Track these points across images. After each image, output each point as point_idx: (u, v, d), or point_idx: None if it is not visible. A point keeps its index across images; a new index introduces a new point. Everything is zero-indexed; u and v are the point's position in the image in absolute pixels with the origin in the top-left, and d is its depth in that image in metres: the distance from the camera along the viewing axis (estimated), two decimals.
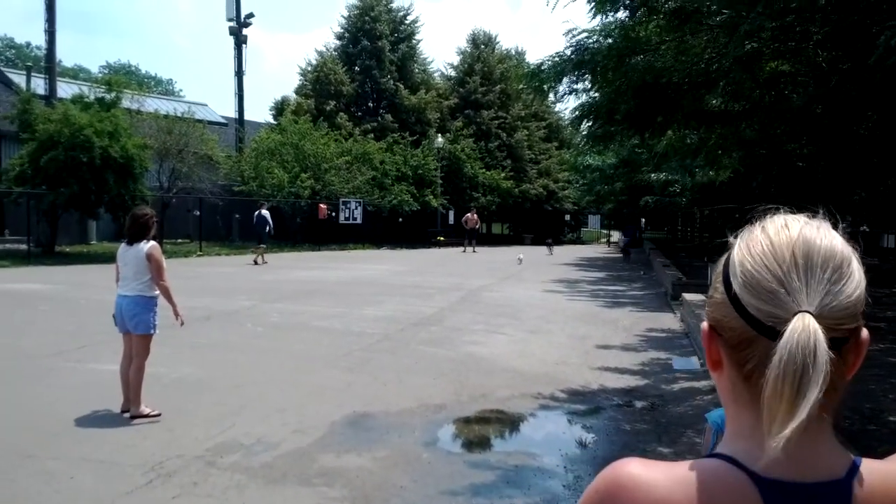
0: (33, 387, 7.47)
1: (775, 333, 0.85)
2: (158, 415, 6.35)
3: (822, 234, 0.91)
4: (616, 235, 52.01)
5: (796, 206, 0.99)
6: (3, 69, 38.99)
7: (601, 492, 0.93)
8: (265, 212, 24.29)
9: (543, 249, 35.39)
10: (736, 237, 0.97)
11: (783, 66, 8.91)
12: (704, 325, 0.99)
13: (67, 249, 24.65)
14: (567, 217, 52.68)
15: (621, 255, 20.59)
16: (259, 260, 23.33)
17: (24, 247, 22.54)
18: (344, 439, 6.07)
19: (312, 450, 5.72)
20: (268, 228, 24.14)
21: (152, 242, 6.50)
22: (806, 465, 0.88)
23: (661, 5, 7.36)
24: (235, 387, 7.66)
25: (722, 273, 0.96)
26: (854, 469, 0.90)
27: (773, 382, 0.83)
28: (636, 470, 0.92)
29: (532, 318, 12.92)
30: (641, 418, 6.99)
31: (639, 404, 7.43)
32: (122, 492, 4.80)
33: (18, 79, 33.21)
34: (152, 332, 6.52)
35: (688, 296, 12.88)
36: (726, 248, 0.97)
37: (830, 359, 0.83)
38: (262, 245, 23.63)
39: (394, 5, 43.25)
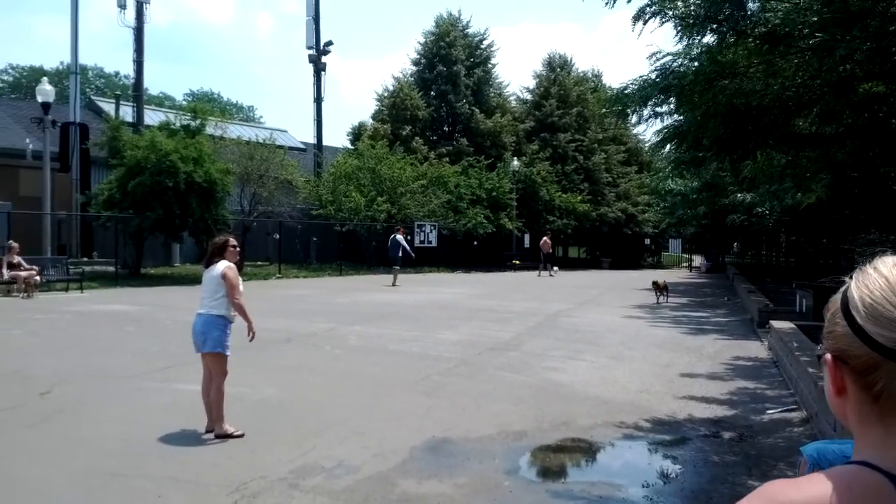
0: (121, 406, 7.66)
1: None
2: (242, 435, 6.43)
3: None
4: (698, 260, 50.89)
5: (889, 231, 0.95)
6: (93, 98, 40.74)
7: None
8: (399, 237, 25.78)
9: (618, 274, 34.86)
10: (850, 277, 1.08)
11: (878, 87, 8.59)
12: (828, 356, 1.07)
13: (152, 271, 25.44)
14: (647, 241, 51.75)
15: (656, 294, 20.48)
16: (399, 280, 24.64)
17: (111, 269, 23.37)
18: (424, 465, 6.02)
19: (393, 475, 5.69)
20: (401, 252, 25.30)
21: (228, 262, 6.62)
22: None
23: (751, 29, 7.17)
24: (315, 409, 7.71)
25: (841, 309, 1.05)
26: None
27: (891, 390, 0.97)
28: (791, 493, 0.99)
29: (613, 345, 12.69)
30: (730, 450, 6.75)
31: (727, 435, 7.17)
32: None
33: (107, 107, 34.61)
34: (221, 350, 6.56)
35: (776, 323, 12.44)
36: (833, 282, 1.08)
37: None
38: (396, 267, 25.06)
39: (470, 31, 43.61)
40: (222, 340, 6.53)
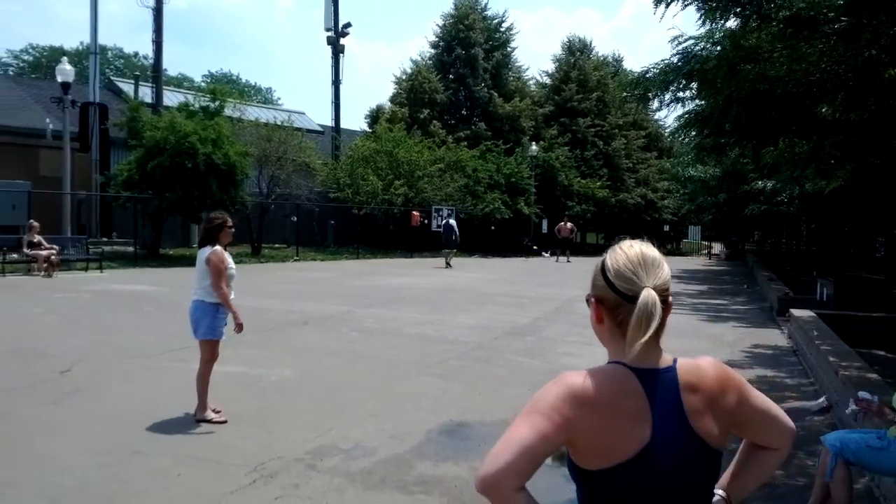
0: (140, 385, 7.73)
1: (634, 299, 1.62)
2: (224, 421, 6.38)
3: (647, 247, 1.72)
4: (717, 247, 50.56)
5: None
6: (112, 78, 40.90)
7: (561, 394, 1.60)
8: (452, 221, 27.96)
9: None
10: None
11: None
12: (593, 299, 1.73)
13: (171, 252, 25.59)
14: (666, 227, 51.40)
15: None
16: (448, 262, 26.01)
17: (130, 249, 23.54)
18: (440, 448, 6.04)
19: (410, 457, 5.71)
20: (454, 236, 26.94)
21: (216, 247, 6.45)
22: (652, 360, 1.66)
23: (775, 13, 7.05)
24: (332, 390, 7.75)
25: (601, 271, 1.72)
26: (675, 361, 1.69)
27: (635, 321, 1.59)
28: (578, 378, 1.62)
29: None
30: None
31: None
32: (227, 491, 4.89)
33: (127, 87, 34.75)
34: (212, 337, 6.47)
35: (796, 312, 12.36)
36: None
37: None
38: (446, 250, 26.69)
39: (488, 13, 43.33)
40: (215, 327, 6.45)
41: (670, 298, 1.70)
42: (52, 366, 8.30)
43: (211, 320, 6.44)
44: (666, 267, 1.70)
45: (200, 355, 6.51)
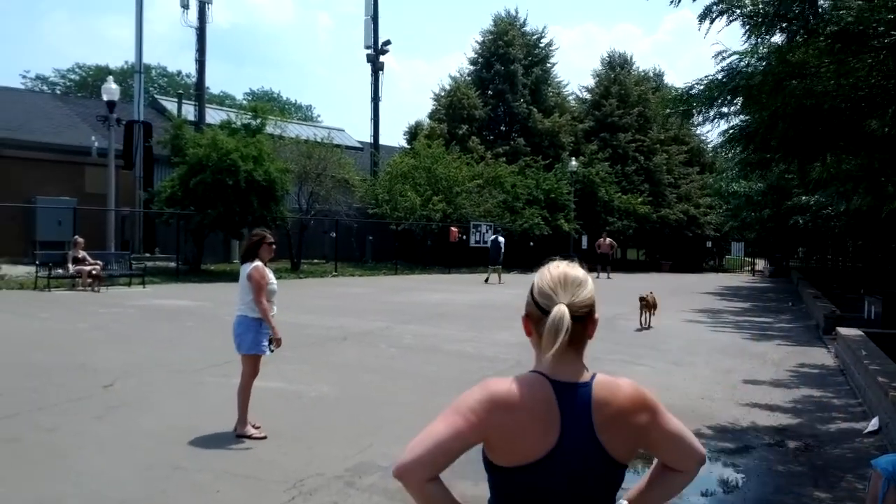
0: (182, 400, 7.80)
1: (548, 313, 1.77)
2: (264, 437, 6.40)
3: (572, 267, 1.88)
4: (761, 264, 49.72)
5: None
6: (156, 97, 41.67)
7: (481, 398, 1.78)
8: (500, 238, 28.13)
9: (678, 277, 34.18)
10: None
11: None
12: (524, 313, 1.89)
13: (212, 267, 25.89)
14: (708, 244, 50.62)
15: (640, 312, 18.70)
16: (494, 279, 26.55)
17: (172, 264, 23.90)
18: (480, 467, 5.95)
19: (449, 475, 5.62)
20: (500, 253, 27.38)
21: (256, 263, 6.51)
22: (569, 374, 1.80)
23: (822, 28, 6.92)
24: (371, 407, 7.74)
25: (530, 289, 1.87)
26: (594, 377, 1.82)
27: (545, 334, 1.75)
28: (498, 384, 1.80)
29: (673, 350, 12.46)
30: (795, 459, 6.56)
31: (792, 444, 6.98)
32: None
33: (170, 106, 35.37)
34: (256, 352, 6.50)
35: (843, 330, 12.06)
36: None
37: (573, 324, 1.75)
38: (492, 266, 27.06)
39: (527, 29, 43.33)
40: (258, 342, 6.49)
41: (596, 315, 1.88)
42: (97, 380, 8.41)
43: (254, 335, 6.49)
44: (588, 286, 1.86)
45: (242, 370, 6.55)
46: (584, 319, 1.83)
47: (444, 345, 11.91)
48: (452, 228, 32.38)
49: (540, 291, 1.84)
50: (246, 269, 6.55)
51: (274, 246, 6.84)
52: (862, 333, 11.49)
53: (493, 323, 14.81)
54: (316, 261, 31.23)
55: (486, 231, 33.73)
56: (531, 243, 36.10)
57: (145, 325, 13.24)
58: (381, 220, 32.24)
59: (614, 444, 1.79)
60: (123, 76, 49.16)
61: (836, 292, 23.07)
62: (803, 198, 25.46)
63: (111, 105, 22.34)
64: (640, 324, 14.58)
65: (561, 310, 1.76)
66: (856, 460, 6.51)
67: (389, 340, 12.20)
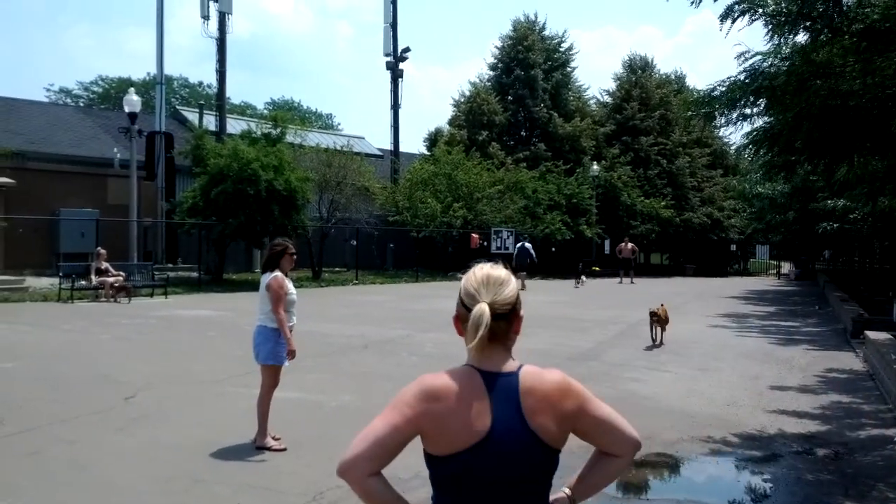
0: (203, 411, 7.77)
1: (471, 310, 1.93)
2: (284, 449, 6.36)
3: (495, 269, 2.02)
4: (787, 267, 49.15)
5: None
6: (178, 107, 42.00)
7: (415, 392, 1.91)
8: (528, 244, 28.63)
9: (702, 281, 33.80)
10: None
11: None
12: (455, 313, 2.03)
13: (234, 277, 25.98)
14: (733, 247, 50.11)
15: (651, 328, 18.08)
16: (521, 285, 25.47)
17: (194, 274, 24.01)
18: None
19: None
20: (528, 260, 27.85)
21: (276, 273, 6.47)
22: (497, 364, 1.95)
23: (847, 26, 6.77)
24: None
25: (459, 292, 2.01)
26: (521, 367, 1.97)
27: (469, 327, 1.91)
28: (432, 378, 1.93)
29: (698, 355, 12.28)
30: (825, 468, 6.41)
31: (821, 452, 6.82)
32: None
33: (191, 116, 35.62)
34: (274, 362, 6.46)
35: (871, 334, 11.82)
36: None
37: (497, 321, 1.92)
38: (521, 273, 26.33)
39: (547, 33, 43.19)
40: (277, 352, 6.44)
41: (521, 312, 2.04)
42: (119, 392, 8.41)
43: (273, 345, 6.44)
44: (510, 286, 2.00)
45: (262, 380, 6.51)
46: (507, 316, 1.98)
47: (465, 353, 11.79)
48: (473, 235, 32.28)
49: (466, 292, 2.00)
50: (265, 279, 6.52)
51: (295, 256, 6.80)
52: (891, 337, 11.26)
53: None
54: (337, 269, 31.26)
55: (508, 237, 33.61)
56: (553, 248, 35.95)
57: (168, 335, 13.26)
58: (401, 227, 32.23)
59: (544, 429, 1.91)
60: (146, 87, 49.63)
61: (863, 295, 22.72)
62: (829, 202, 25.11)
63: (133, 116, 22.50)
64: (652, 339, 13.08)
65: (481, 307, 1.92)
66: (887, 468, 6.35)
67: (410, 349, 12.14)
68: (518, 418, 1.90)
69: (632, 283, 31.41)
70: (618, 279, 32.37)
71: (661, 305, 13.11)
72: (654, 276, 39.24)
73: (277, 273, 6.52)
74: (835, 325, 17.48)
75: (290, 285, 6.61)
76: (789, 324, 17.84)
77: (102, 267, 18.67)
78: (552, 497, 2.04)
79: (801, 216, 30.42)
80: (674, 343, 13.23)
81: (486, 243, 33.05)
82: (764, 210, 34.25)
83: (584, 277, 27.39)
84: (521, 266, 27.33)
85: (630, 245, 33.42)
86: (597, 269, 35.49)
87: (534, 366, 2.01)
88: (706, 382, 10.00)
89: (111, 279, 18.50)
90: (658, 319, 12.96)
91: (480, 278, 2.00)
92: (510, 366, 1.97)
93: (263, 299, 6.50)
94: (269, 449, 6.32)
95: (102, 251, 18.98)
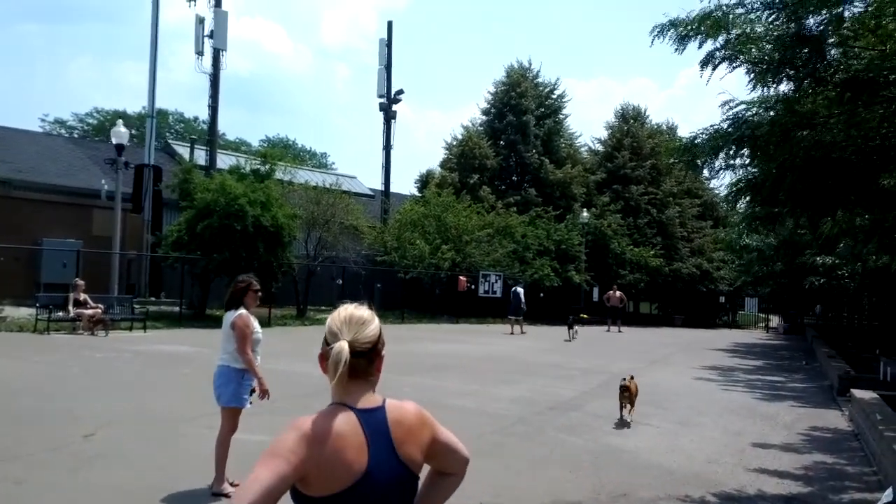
0: (161, 453, 7.47)
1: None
2: None
3: (358, 309, 2.14)
4: (775, 320, 49.01)
5: None
6: (170, 141, 41.98)
7: (297, 438, 1.91)
8: (520, 289, 28.48)
9: (690, 332, 33.55)
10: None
11: None
12: (320, 352, 2.09)
13: (217, 313, 25.55)
14: (721, 299, 50.01)
15: (620, 404, 11.21)
16: (515, 330, 26.75)
17: (177, 309, 23.63)
18: None
19: None
20: (522, 304, 27.72)
21: (241, 311, 6.25)
22: (365, 402, 2.06)
23: (831, 75, 6.68)
24: None
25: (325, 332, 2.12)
26: (384, 401, 2.10)
27: (330, 364, 2.01)
28: (308, 421, 1.96)
29: (681, 409, 12.03)
30: None
31: None
32: None
33: (183, 150, 35.55)
34: (236, 405, 6.23)
35: (858, 392, 11.61)
36: None
37: (359, 359, 2.05)
38: (511, 317, 27.45)
39: (540, 80, 43.47)
40: (238, 394, 6.21)
41: (383, 351, 2.16)
42: (79, 428, 8.10)
43: (235, 387, 6.21)
44: (372, 325, 2.12)
45: (221, 423, 6.25)
46: (367, 354, 2.08)
47: (444, 398, 11.51)
48: (461, 278, 32.08)
49: (329, 330, 2.09)
50: (230, 317, 6.29)
51: (259, 293, 6.58)
52: (877, 396, 11.04)
53: (497, 377, 14.44)
54: (323, 307, 30.84)
55: (496, 281, 33.43)
56: (541, 294, 35.72)
57: (140, 371, 12.94)
58: (389, 267, 32.01)
59: (411, 458, 2.05)
60: (140, 121, 49.63)
61: (851, 351, 22.56)
62: (817, 259, 25.07)
63: (119, 148, 22.35)
64: (621, 416, 10.53)
65: (341, 345, 2.00)
66: None
67: (387, 391, 11.55)
68: (391, 452, 2.01)
69: (619, 331, 31.20)
70: (605, 327, 32.14)
71: (632, 378, 10.63)
72: (643, 326, 39.01)
73: (242, 311, 6.30)
74: (821, 381, 17.26)
75: (255, 323, 6.39)
76: (775, 378, 17.60)
77: (81, 298, 18.34)
78: None
79: (788, 270, 30.37)
80: (658, 395, 12.98)
81: (473, 286, 32.84)
82: (752, 262, 34.21)
83: (577, 328, 26.49)
84: (516, 310, 27.54)
85: (619, 293, 33.25)
86: (585, 316, 35.18)
87: (393, 399, 2.14)
88: (688, 437, 9.74)
89: (89, 311, 18.16)
90: (628, 395, 10.46)
91: (344, 318, 2.10)
92: (375, 400, 2.08)
93: (228, 338, 6.27)
94: (225, 495, 6.03)
95: (80, 282, 18.68)
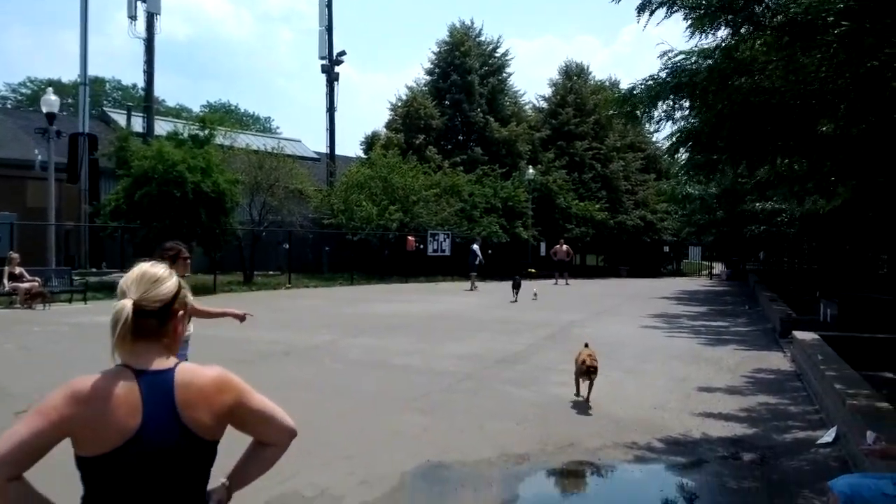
0: None
1: None
2: None
3: (154, 267, 2.08)
4: (718, 267, 50.09)
5: None
6: (105, 109, 40.68)
7: (62, 395, 1.90)
8: (475, 246, 29.48)
9: (636, 282, 34.10)
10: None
11: None
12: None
13: None
14: (666, 248, 50.95)
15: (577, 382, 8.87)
16: (472, 286, 27.89)
17: (118, 279, 23.02)
18: (414, 494, 5.56)
19: None
20: (478, 261, 28.91)
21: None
22: (148, 363, 1.98)
23: (769, 20, 6.63)
24: (303, 429, 7.15)
25: None
26: (177, 364, 2.02)
27: (110, 323, 1.95)
28: (80, 381, 1.93)
29: (627, 357, 12.15)
30: (750, 473, 6.24)
31: (746, 457, 6.66)
32: None
33: (119, 118, 34.49)
34: None
35: (799, 334, 11.86)
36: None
37: (148, 318, 1.99)
38: (473, 274, 28.49)
39: (483, 39, 43.11)
40: None
41: (180, 312, 2.09)
42: (10, 406, 7.79)
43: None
44: (164, 284, 2.04)
45: None
46: (158, 314, 2.01)
47: (392, 358, 11.45)
48: (409, 238, 31.94)
49: (119, 289, 2.02)
50: None
51: (189, 260, 6.32)
52: (818, 337, 11.29)
53: (445, 334, 14.42)
54: (270, 273, 30.53)
55: (444, 240, 33.39)
56: (489, 251, 35.79)
57: (76, 344, 12.56)
58: (336, 230, 31.71)
59: (198, 423, 1.96)
60: (76, 90, 47.99)
61: (792, 295, 23.09)
62: (757, 205, 25.48)
63: (51, 117, 21.55)
64: (578, 392, 8.84)
65: (123, 303, 1.95)
66: (813, 473, 6.21)
67: (334, 355, 11.72)
68: (170, 414, 1.93)
69: (567, 284, 31.53)
70: (553, 281, 32.43)
71: (589, 349, 8.80)
72: (589, 278, 39.49)
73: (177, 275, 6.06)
74: (764, 324, 17.64)
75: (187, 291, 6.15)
76: (719, 324, 17.94)
77: (16, 272, 17.73)
78: (210, 487, 2.10)
79: (730, 217, 30.87)
80: (604, 345, 13.03)
81: (422, 246, 32.74)
82: (694, 211, 34.73)
83: (535, 290, 24.36)
84: (472, 267, 28.37)
85: (565, 247, 33.60)
86: (533, 270, 35.41)
87: (192, 363, 2.09)
88: (633, 385, 9.85)
89: (25, 285, 17.58)
90: (588, 369, 8.42)
91: (135, 276, 2.03)
92: (164, 363, 2.00)
93: None
94: None
95: (15, 255, 18.05)
